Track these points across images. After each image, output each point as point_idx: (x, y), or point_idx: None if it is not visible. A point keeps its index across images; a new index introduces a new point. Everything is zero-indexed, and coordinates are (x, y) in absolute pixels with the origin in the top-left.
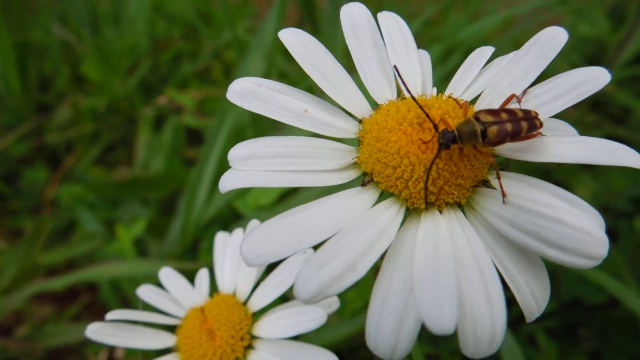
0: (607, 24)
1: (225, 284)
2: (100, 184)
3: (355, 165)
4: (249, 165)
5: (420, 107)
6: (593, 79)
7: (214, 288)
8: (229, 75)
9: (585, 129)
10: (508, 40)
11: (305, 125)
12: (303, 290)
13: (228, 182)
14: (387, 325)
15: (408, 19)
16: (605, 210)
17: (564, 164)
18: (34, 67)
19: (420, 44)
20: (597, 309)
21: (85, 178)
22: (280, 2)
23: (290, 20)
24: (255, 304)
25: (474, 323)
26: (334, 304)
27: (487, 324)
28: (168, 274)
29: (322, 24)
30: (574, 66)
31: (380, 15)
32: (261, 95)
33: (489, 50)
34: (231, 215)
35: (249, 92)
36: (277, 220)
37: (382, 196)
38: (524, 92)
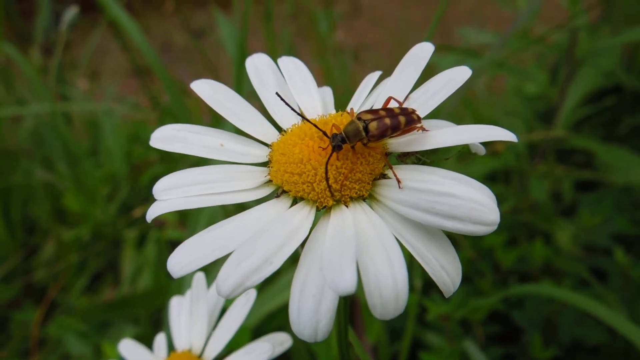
0: (544, 77)
1: (182, 342)
2: (88, 308)
3: (270, 182)
4: (172, 194)
5: (306, 119)
6: (457, 75)
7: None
8: None
9: (555, 181)
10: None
11: (224, 157)
12: (224, 286)
13: (152, 211)
14: (307, 308)
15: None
16: (588, 249)
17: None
18: (17, 210)
19: None
20: (600, 349)
21: (74, 309)
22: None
23: None
24: (209, 354)
25: (378, 285)
26: (286, 342)
27: (390, 284)
28: (128, 346)
29: None
30: (527, 122)
31: (280, 60)
32: (180, 138)
33: (376, 74)
34: None
35: (169, 137)
36: (200, 235)
37: (296, 203)
38: (406, 97)
